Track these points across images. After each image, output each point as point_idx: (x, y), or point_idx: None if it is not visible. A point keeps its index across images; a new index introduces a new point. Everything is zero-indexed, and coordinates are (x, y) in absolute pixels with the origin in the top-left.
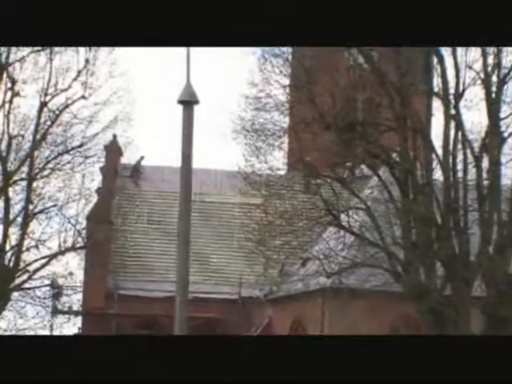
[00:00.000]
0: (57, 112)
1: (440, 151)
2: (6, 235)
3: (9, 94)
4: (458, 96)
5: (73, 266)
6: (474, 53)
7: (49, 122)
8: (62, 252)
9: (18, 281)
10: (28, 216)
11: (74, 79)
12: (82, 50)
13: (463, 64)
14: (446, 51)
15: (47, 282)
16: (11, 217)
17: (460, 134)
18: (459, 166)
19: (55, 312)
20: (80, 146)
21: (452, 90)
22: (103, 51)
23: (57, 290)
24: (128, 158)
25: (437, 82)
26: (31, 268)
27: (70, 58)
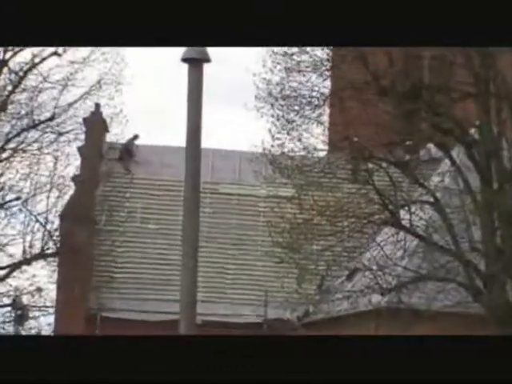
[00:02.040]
0: (20, 73)
1: None
2: None
3: None
4: None
5: (42, 279)
6: None
7: (10, 87)
8: (27, 260)
9: None
10: None
11: None
12: None
13: None
14: None
15: (7, 300)
16: None
17: None
18: None
19: None
20: (51, 118)
21: None
22: None
23: (20, 312)
24: (116, 135)
25: None
26: None
27: None
